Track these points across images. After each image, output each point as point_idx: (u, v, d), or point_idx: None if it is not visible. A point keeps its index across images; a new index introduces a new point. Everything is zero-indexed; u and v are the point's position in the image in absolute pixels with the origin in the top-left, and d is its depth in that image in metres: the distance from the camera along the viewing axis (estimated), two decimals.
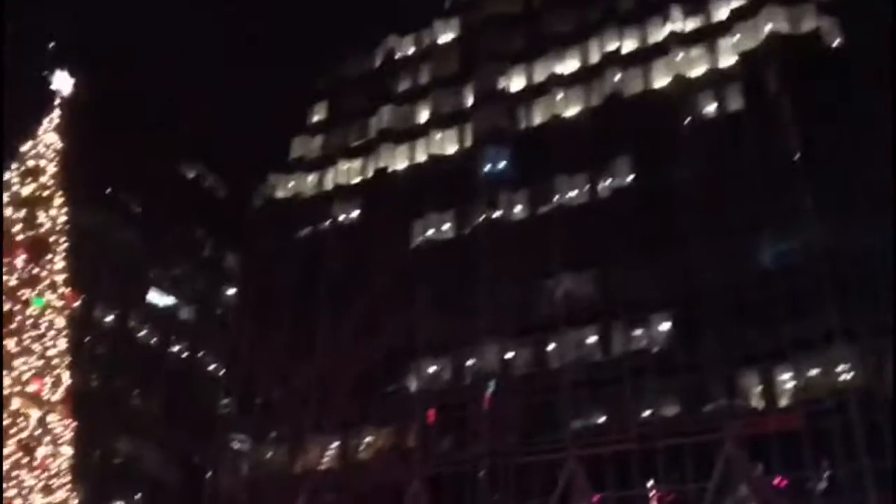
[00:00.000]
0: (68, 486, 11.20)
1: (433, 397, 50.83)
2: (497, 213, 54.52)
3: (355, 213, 62.20)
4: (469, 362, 50.73)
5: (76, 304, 12.21)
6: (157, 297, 64.15)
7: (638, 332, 46.84)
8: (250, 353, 51.54)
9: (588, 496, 43.66)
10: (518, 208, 54.78)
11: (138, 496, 55.81)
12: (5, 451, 10.55)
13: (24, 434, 10.77)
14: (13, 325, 11.12)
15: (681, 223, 47.50)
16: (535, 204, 54.27)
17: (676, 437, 42.32)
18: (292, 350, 45.38)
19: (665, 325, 46.37)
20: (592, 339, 48.19)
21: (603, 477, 43.65)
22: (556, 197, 53.21)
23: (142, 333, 61.72)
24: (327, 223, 62.23)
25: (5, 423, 10.54)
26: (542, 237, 51.98)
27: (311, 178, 65.69)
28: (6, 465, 10.44)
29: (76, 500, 11.22)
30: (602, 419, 45.89)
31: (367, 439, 51.66)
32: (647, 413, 44.41)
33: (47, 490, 10.84)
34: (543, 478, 45.34)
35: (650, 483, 41.81)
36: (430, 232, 57.02)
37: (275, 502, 46.68)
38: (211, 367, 64.66)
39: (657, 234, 48.21)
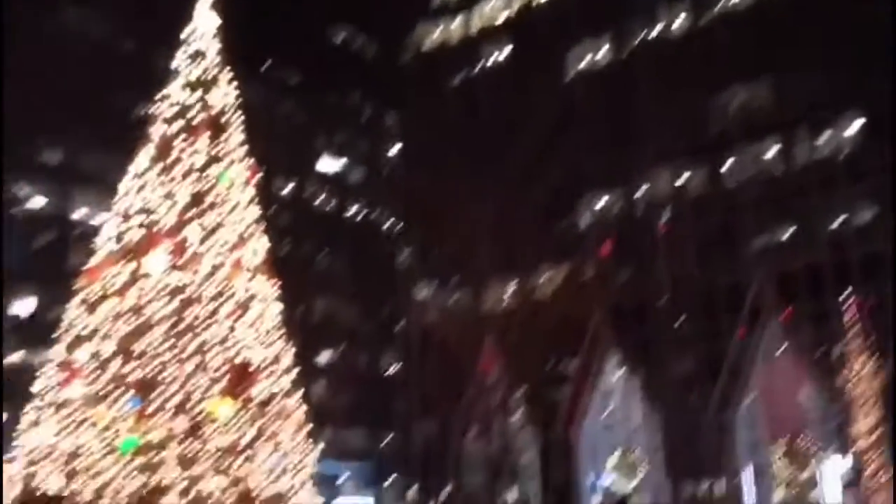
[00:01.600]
0: (282, 338, 12.05)
1: (607, 229, 50.48)
2: (656, 30, 51.24)
3: (505, 53, 60.61)
4: (640, 191, 49.55)
5: (257, 177, 12.64)
6: (327, 164, 66.43)
7: (823, 138, 43.56)
8: (422, 206, 52.89)
9: (777, 312, 42.55)
10: (679, 20, 51.12)
11: (341, 347, 60.50)
12: (224, 311, 11.42)
13: (235, 297, 11.56)
14: (205, 204, 11.71)
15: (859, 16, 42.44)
16: (697, 13, 50.42)
17: (874, 245, 39.90)
18: (461, 198, 46.06)
19: (855, 126, 42.70)
20: (772, 152, 45.42)
21: (793, 291, 42.27)
22: (720, 3, 49.04)
23: (318, 200, 64.55)
24: (477, 68, 61.22)
25: (213, 291, 11.35)
26: (708, 49, 48.46)
27: (457, 23, 64.29)
28: (225, 325, 11.33)
29: (291, 351, 12.10)
30: (788, 234, 43.98)
31: (546, 276, 52.51)
32: (837, 222, 42.03)
33: (263, 344, 11.71)
34: (727, 299, 44.57)
35: (846, 293, 40.02)
36: (586, 61, 54.69)
37: (463, 344, 48.95)
38: (387, 225, 67.10)
39: (834, 29, 43.51)
